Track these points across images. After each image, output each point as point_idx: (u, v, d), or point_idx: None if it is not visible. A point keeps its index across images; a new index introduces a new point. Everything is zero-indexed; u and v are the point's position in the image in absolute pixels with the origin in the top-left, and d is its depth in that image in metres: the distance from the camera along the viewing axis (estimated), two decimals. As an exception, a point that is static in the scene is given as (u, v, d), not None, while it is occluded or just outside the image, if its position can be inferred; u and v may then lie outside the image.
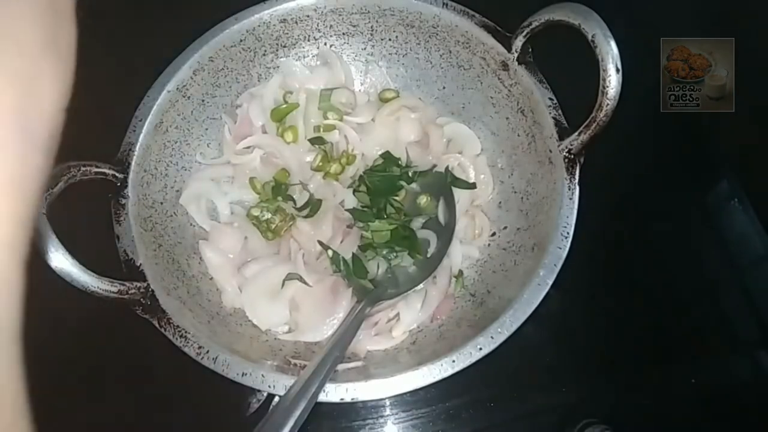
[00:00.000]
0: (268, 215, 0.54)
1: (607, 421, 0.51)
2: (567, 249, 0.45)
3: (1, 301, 0.17)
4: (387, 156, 0.57)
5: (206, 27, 0.55)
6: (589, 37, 0.42)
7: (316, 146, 0.57)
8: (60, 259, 0.40)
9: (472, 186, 0.56)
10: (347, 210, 0.55)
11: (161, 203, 0.52)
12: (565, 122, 0.49)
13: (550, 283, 0.43)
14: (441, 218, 0.54)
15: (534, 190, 0.52)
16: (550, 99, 0.50)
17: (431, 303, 0.51)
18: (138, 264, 0.46)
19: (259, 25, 0.56)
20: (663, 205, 0.63)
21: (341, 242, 0.53)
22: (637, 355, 0.56)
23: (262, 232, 0.54)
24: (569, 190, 0.47)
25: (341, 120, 0.58)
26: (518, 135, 0.54)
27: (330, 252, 0.52)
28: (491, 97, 0.56)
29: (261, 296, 0.51)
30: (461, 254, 0.54)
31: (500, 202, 0.56)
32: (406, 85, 0.61)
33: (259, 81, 0.59)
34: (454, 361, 0.41)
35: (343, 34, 0.59)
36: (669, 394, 0.54)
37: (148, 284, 0.45)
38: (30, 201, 0.19)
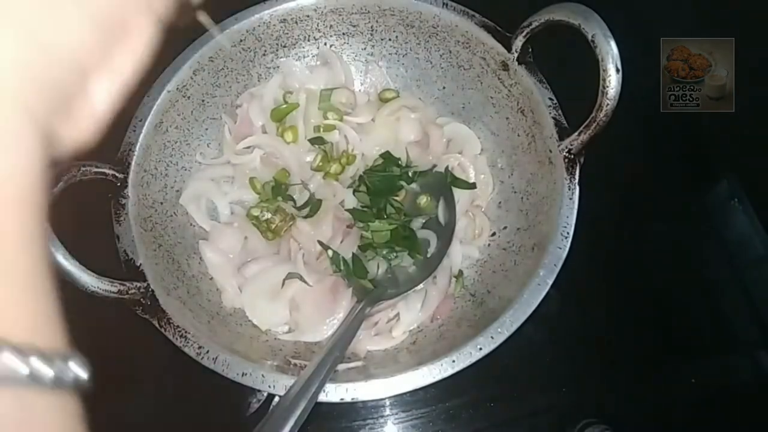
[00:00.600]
0: (268, 215, 0.54)
1: (607, 421, 0.51)
2: (567, 249, 0.44)
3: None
4: (387, 156, 0.57)
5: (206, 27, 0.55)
6: (589, 37, 0.42)
7: (316, 146, 0.57)
8: (60, 259, 0.40)
9: (472, 186, 0.56)
10: (347, 210, 0.55)
11: (161, 203, 0.52)
12: (565, 122, 0.49)
13: (550, 283, 0.43)
14: (441, 218, 0.54)
15: (534, 190, 0.52)
16: (550, 99, 0.50)
17: (431, 303, 0.51)
18: (138, 264, 0.46)
19: (259, 25, 0.56)
20: (663, 205, 0.63)
21: (341, 242, 0.53)
22: (637, 355, 0.56)
23: (262, 232, 0.54)
24: (569, 190, 0.47)
25: (341, 120, 0.58)
26: (518, 135, 0.54)
27: (330, 252, 0.52)
28: (491, 97, 0.56)
29: (261, 296, 0.51)
30: (461, 254, 0.54)
31: (500, 202, 0.56)
32: (406, 85, 0.61)
33: (259, 81, 0.59)
34: (454, 361, 0.41)
35: (343, 34, 0.59)
36: (669, 394, 0.54)
37: (148, 284, 0.45)
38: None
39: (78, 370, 0.18)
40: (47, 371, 0.16)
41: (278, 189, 0.55)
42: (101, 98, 0.21)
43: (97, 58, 0.20)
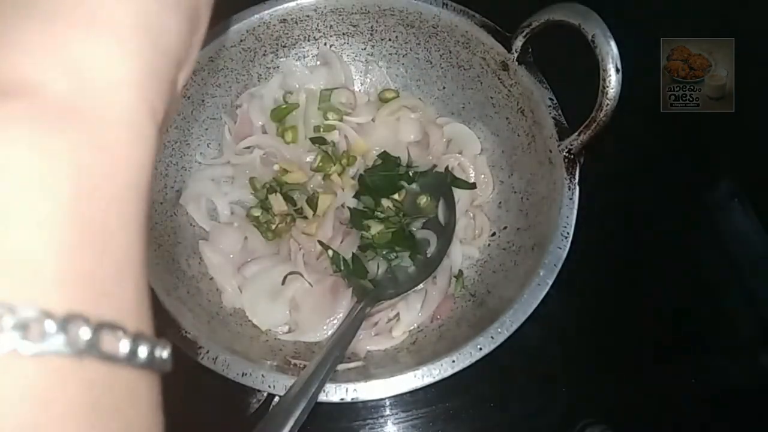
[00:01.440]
0: (268, 215, 0.54)
1: (607, 421, 0.51)
2: (567, 249, 0.44)
3: (132, 168, 0.18)
4: (384, 156, 0.57)
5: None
6: (589, 37, 0.42)
7: (317, 146, 0.57)
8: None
9: (472, 186, 0.56)
10: (348, 209, 0.55)
11: (161, 203, 0.52)
12: (565, 122, 0.49)
13: (550, 283, 0.43)
14: (441, 218, 0.54)
15: (534, 190, 0.52)
16: (550, 99, 0.50)
17: (431, 303, 0.51)
18: (138, 264, 0.46)
19: (259, 25, 0.56)
20: (663, 205, 0.63)
21: (341, 242, 0.53)
22: (637, 355, 0.56)
23: (262, 232, 0.54)
24: (569, 190, 0.47)
25: (341, 120, 0.58)
26: (518, 135, 0.54)
27: (330, 252, 0.52)
28: (491, 97, 0.56)
29: (261, 296, 0.51)
30: (461, 254, 0.54)
31: (500, 202, 0.56)
32: (406, 85, 0.61)
33: (259, 81, 0.59)
34: (454, 361, 0.41)
35: (343, 34, 0.59)
36: (669, 394, 0.54)
37: (148, 284, 0.44)
38: (157, 97, 0.20)
39: (164, 352, 0.19)
40: (143, 351, 0.18)
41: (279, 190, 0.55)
42: None
43: None
